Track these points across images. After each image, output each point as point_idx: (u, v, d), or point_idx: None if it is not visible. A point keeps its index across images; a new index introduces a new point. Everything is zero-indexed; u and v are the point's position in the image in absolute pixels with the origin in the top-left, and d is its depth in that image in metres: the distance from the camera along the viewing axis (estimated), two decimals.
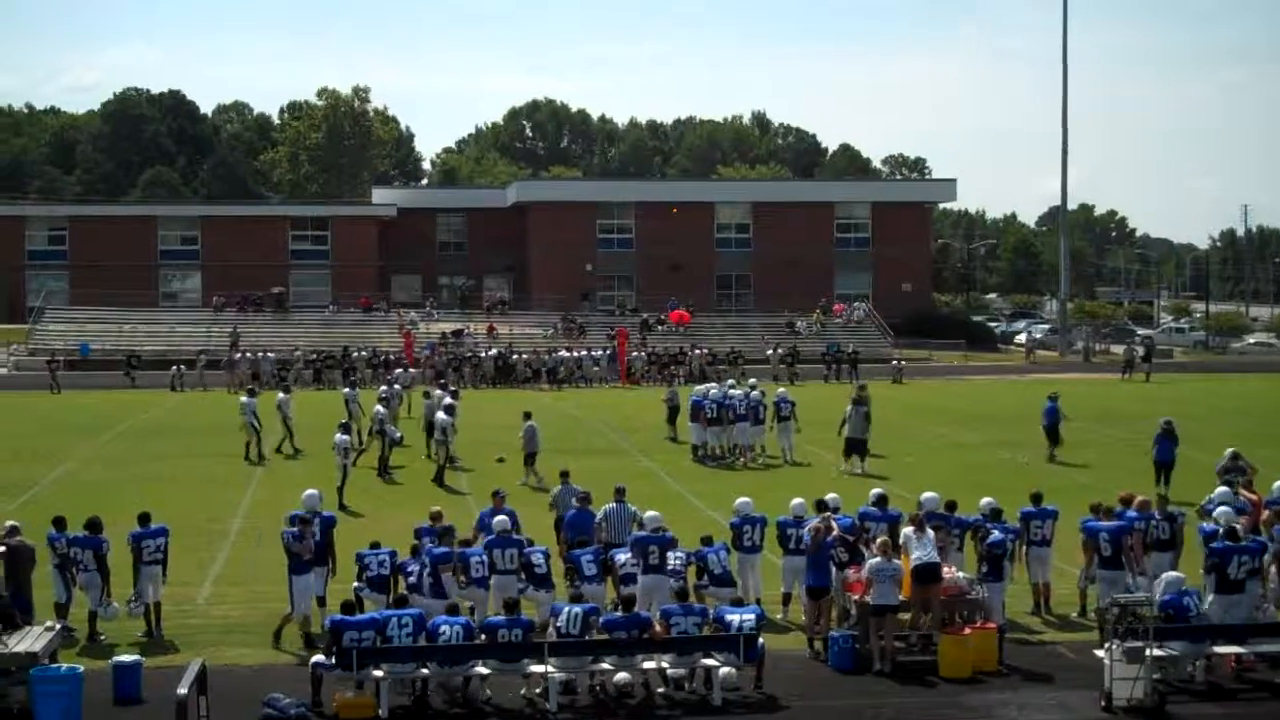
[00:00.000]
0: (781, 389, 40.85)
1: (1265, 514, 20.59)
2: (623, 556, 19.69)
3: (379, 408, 35.77)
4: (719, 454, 37.67)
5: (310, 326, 78.11)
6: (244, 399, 38.20)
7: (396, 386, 43.67)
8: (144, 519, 20.35)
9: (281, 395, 39.79)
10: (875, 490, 22.30)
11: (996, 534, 19.69)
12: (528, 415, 34.58)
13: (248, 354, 62.75)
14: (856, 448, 34.90)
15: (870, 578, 18.38)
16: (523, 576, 19.42)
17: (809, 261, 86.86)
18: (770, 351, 65.94)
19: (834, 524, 19.73)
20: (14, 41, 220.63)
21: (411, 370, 56.73)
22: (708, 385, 40.81)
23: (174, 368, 60.99)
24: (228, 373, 59.99)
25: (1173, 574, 18.62)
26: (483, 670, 16.91)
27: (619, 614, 17.54)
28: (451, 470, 34.55)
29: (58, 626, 18.25)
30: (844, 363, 66.31)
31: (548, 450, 34.78)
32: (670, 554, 19.53)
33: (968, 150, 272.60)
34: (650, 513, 20.50)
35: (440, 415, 34.85)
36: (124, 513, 22.13)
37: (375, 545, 19.96)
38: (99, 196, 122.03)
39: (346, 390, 41.68)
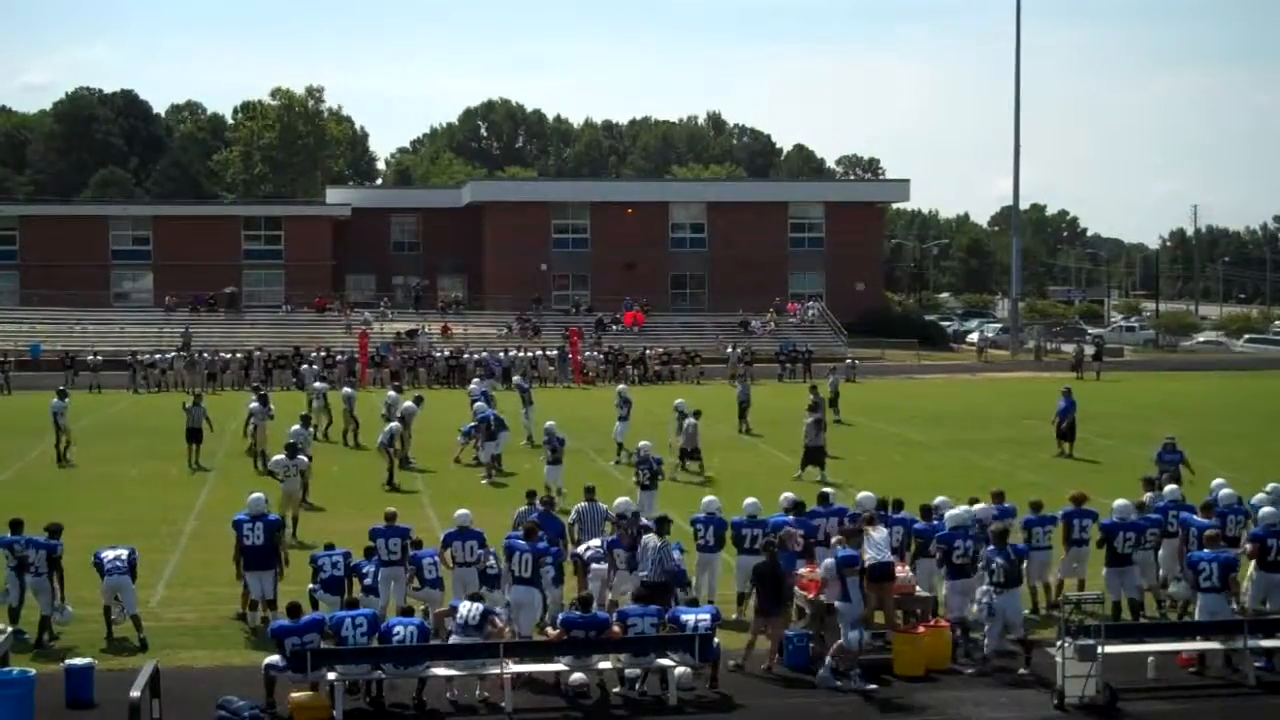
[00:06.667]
0: (550, 422, 33.93)
1: None
2: (594, 542, 20.11)
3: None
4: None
5: (263, 327, 77.73)
6: (54, 400, 37.61)
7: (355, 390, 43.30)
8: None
9: (55, 401, 37.67)
10: (822, 490, 22.47)
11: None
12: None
13: (204, 354, 62.81)
14: (814, 456, 33.59)
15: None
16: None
17: (763, 261, 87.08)
18: (729, 350, 66.50)
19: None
20: None
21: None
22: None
23: (90, 356, 62.50)
24: (188, 373, 60.23)
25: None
26: (438, 671, 16.88)
27: (577, 613, 17.54)
28: (409, 471, 34.55)
29: (9, 630, 18.09)
30: (798, 362, 66.61)
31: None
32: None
33: (921, 151, 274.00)
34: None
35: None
36: (78, 514, 21.96)
37: (330, 546, 19.89)
38: (50, 196, 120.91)
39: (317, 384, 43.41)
